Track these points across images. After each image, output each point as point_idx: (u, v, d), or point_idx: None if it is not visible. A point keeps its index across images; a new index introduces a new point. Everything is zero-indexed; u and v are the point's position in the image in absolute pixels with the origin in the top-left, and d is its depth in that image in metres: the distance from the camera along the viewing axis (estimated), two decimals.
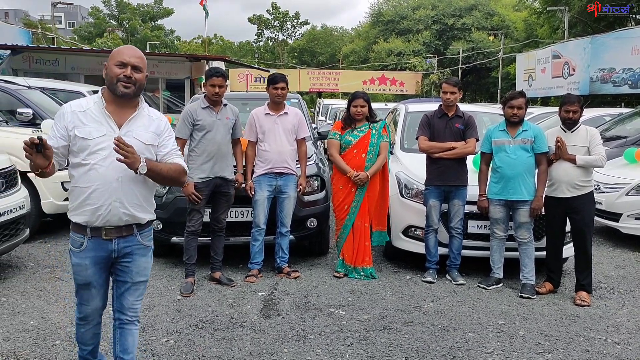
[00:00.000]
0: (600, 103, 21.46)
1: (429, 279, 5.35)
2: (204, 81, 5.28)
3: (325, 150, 6.62)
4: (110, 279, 2.93)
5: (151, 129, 2.78)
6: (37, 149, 2.42)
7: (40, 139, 2.42)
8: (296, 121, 5.37)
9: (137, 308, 2.97)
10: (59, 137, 2.67)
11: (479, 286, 5.23)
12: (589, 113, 12.53)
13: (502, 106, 5.21)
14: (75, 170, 2.69)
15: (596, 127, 10.73)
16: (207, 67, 18.57)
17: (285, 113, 5.35)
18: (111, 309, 3.00)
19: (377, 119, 5.57)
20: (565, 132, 4.96)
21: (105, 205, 2.67)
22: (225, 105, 5.07)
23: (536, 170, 5.04)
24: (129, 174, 2.65)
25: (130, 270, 2.86)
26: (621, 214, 6.87)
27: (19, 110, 7.74)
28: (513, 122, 5.05)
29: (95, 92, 8.18)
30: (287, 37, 59.63)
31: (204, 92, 5.19)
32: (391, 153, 6.62)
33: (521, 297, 4.96)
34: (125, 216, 2.73)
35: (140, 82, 2.70)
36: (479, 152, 5.32)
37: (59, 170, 2.76)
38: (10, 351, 3.72)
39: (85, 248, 2.74)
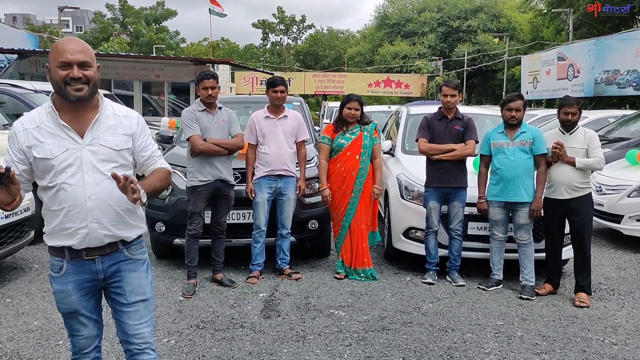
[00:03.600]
0: (606, 105, 21.42)
1: (429, 280, 5.38)
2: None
3: None
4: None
5: (121, 130, 2.39)
6: (1, 181, 2.10)
7: (7, 169, 2.11)
8: (296, 124, 5.43)
9: (143, 334, 2.50)
10: (17, 162, 2.31)
11: (478, 287, 5.26)
12: (593, 114, 12.58)
13: (500, 108, 5.24)
14: (44, 194, 2.36)
15: (600, 129, 10.82)
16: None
17: (285, 116, 5.40)
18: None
19: (368, 121, 5.62)
20: (564, 134, 4.99)
21: (82, 228, 2.31)
22: (220, 108, 5.13)
23: (535, 172, 5.07)
24: (103, 189, 2.31)
25: (122, 289, 2.46)
26: (623, 216, 6.88)
27: (25, 113, 7.83)
28: (511, 124, 5.09)
29: (107, 95, 8.23)
30: (292, 41, 59.81)
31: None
32: (392, 155, 6.69)
33: (520, 298, 4.99)
34: (107, 237, 2.37)
35: (93, 80, 2.28)
36: (479, 154, 5.36)
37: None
38: (13, 351, 3.79)
39: (66, 272, 2.38)
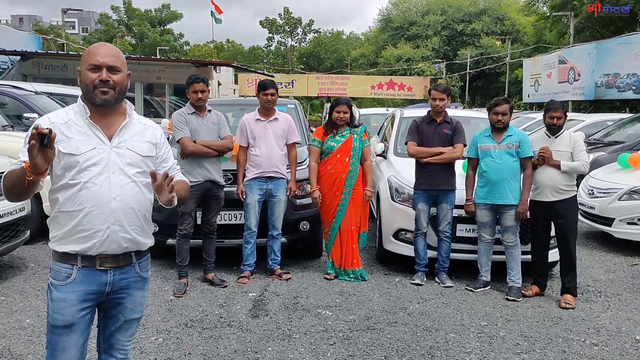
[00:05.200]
0: (608, 108, 21.44)
1: (417, 281, 5.45)
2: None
3: None
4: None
5: (146, 138, 2.40)
6: (42, 142, 1.98)
7: (50, 130, 2.00)
8: (286, 126, 5.51)
9: (127, 349, 2.52)
10: None
11: (466, 289, 5.33)
12: (590, 118, 12.63)
13: (487, 112, 5.32)
14: (60, 193, 2.27)
15: (597, 132, 10.87)
16: (214, 73, 18.82)
17: (276, 119, 5.49)
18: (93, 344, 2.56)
19: (358, 124, 5.71)
20: (550, 137, 5.06)
21: (103, 230, 2.25)
22: (210, 111, 5.22)
23: (521, 175, 5.14)
24: (128, 191, 2.29)
25: (123, 306, 2.41)
26: (614, 219, 6.93)
27: (25, 115, 7.95)
28: (498, 128, 5.16)
29: None
30: (296, 43, 59.98)
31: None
32: (385, 157, 6.77)
33: (507, 299, 5.06)
34: (126, 242, 2.31)
35: (121, 85, 2.29)
36: (466, 157, 5.43)
37: None
38: (5, 347, 3.88)
39: (74, 280, 2.28)
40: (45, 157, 2.02)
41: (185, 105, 5.30)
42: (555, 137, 5.03)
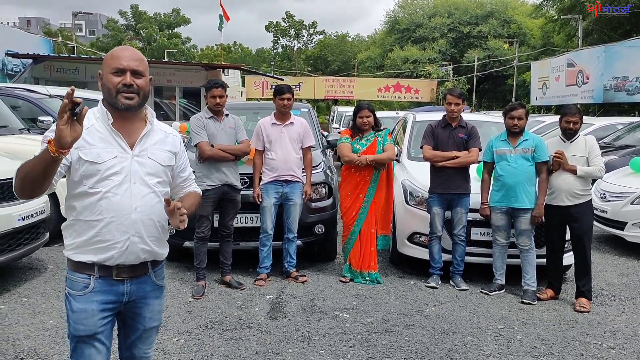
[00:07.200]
0: (617, 112, 21.42)
1: (432, 284, 5.50)
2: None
3: (334, 158, 6.82)
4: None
5: (167, 147, 2.36)
6: (73, 111, 1.87)
7: (82, 104, 1.90)
8: (302, 130, 5.58)
9: (149, 356, 2.52)
10: None
11: (481, 292, 5.37)
12: (600, 121, 12.62)
13: (503, 117, 5.36)
14: (78, 201, 2.21)
15: (607, 136, 10.87)
16: (222, 76, 18.93)
17: (291, 123, 5.56)
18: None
19: (382, 128, 5.76)
20: (565, 141, 5.10)
21: (122, 242, 2.21)
22: (227, 115, 5.29)
23: (537, 179, 5.18)
24: (148, 202, 2.25)
25: (142, 316, 2.40)
26: (626, 223, 6.95)
27: (40, 118, 8.05)
28: (514, 132, 5.20)
29: None
30: (302, 46, 60.14)
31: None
32: (398, 161, 6.81)
33: (522, 302, 5.09)
34: (144, 253, 2.29)
35: (144, 90, 2.24)
36: (482, 161, 5.47)
37: None
38: (31, 348, 3.95)
39: (92, 290, 2.24)
40: (73, 131, 1.90)
41: (202, 110, 5.36)
42: (571, 142, 5.07)
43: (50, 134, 2.05)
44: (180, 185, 2.50)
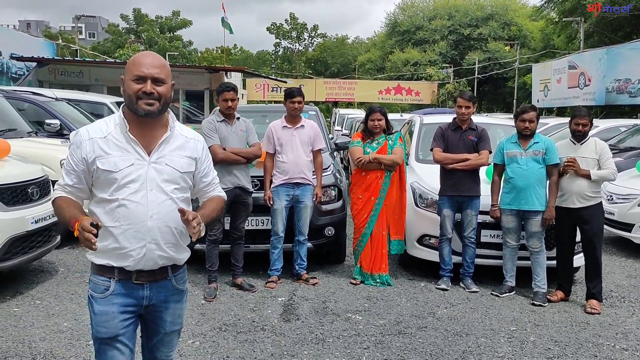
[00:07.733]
0: (618, 114, 21.45)
1: (443, 286, 5.52)
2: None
3: (342, 160, 6.84)
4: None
5: (186, 153, 2.35)
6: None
7: (98, 225, 2.07)
8: (312, 133, 5.60)
9: (171, 359, 2.54)
10: (80, 172, 2.26)
11: (492, 294, 5.39)
12: (604, 123, 12.63)
13: (514, 119, 5.38)
14: (98, 207, 2.26)
15: (611, 138, 10.88)
16: (225, 78, 18.96)
17: (302, 126, 5.58)
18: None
19: (393, 131, 5.79)
20: (575, 144, 5.13)
21: (138, 249, 2.24)
22: (239, 118, 5.32)
23: (547, 182, 5.20)
24: (164, 209, 2.25)
25: (163, 320, 2.41)
26: (633, 225, 6.98)
27: (47, 121, 8.07)
28: (525, 135, 5.23)
29: (119, 103, 8.34)
30: (303, 48, 60.23)
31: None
32: (406, 164, 6.83)
33: (533, 304, 5.11)
34: (162, 259, 2.30)
35: (165, 97, 2.23)
36: (492, 163, 5.50)
37: None
38: (47, 350, 3.96)
39: (112, 293, 2.28)
40: (84, 230, 2.06)
41: (213, 113, 5.39)
42: (581, 144, 5.10)
43: (67, 179, 2.30)
44: (203, 190, 2.50)
